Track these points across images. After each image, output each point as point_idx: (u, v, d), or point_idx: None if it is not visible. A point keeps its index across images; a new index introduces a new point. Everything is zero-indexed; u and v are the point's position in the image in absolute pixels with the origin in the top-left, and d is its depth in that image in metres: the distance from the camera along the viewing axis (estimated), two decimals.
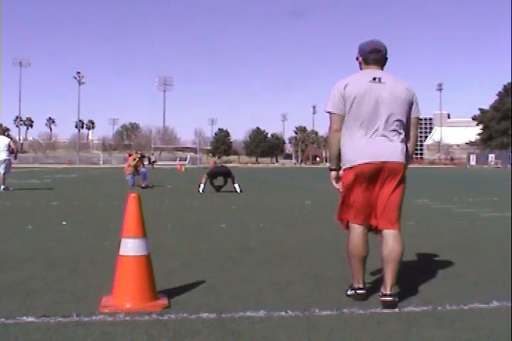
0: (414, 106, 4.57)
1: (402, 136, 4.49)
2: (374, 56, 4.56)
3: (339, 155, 4.56)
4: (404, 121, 4.51)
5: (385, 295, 4.29)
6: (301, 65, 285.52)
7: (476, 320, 3.95)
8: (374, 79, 4.46)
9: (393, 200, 4.45)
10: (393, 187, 4.43)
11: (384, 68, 4.63)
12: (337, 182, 4.66)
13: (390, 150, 4.40)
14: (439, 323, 3.90)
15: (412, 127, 4.60)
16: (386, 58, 4.63)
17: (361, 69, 4.66)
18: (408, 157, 4.55)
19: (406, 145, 4.53)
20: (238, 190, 18.19)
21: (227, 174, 18.86)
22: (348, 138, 4.46)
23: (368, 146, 4.38)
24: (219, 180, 18.96)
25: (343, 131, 4.47)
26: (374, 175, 4.39)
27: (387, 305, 4.25)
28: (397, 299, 4.32)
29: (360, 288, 4.51)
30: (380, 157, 4.37)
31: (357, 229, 4.54)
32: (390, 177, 4.41)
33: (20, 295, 4.57)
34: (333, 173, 4.67)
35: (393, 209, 4.46)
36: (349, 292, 4.57)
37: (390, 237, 4.44)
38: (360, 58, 4.64)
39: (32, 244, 7.24)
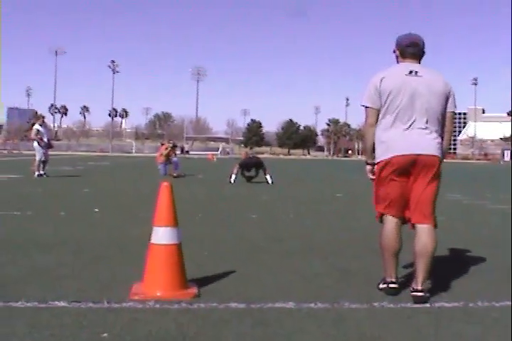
0: (450, 101, 4.52)
1: (438, 129, 4.45)
2: (411, 50, 4.52)
3: (374, 149, 4.53)
4: (440, 115, 4.46)
5: (416, 291, 4.26)
6: (333, 56, 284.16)
7: (507, 317, 3.90)
8: (411, 72, 4.43)
9: (427, 194, 4.41)
10: (428, 181, 4.39)
11: (421, 62, 4.58)
12: (372, 175, 4.64)
13: (426, 143, 4.36)
14: (470, 319, 3.86)
15: (447, 122, 4.54)
16: (423, 52, 4.59)
17: (398, 62, 4.61)
18: (443, 151, 4.50)
19: (442, 140, 4.48)
20: (269, 181, 18.16)
21: (259, 165, 18.84)
22: (383, 131, 4.44)
23: (403, 139, 4.35)
24: (251, 172, 18.95)
25: (378, 124, 4.45)
26: (408, 167, 4.35)
27: (417, 300, 4.22)
28: (428, 294, 4.29)
29: (392, 282, 4.48)
30: (415, 149, 4.33)
31: (390, 222, 4.51)
32: (425, 170, 4.36)
33: (49, 281, 4.62)
34: (369, 167, 4.64)
35: (427, 203, 4.42)
36: (381, 285, 4.55)
37: (424, 232, 4.40)
38: (397, 51, 4.59)
39: (63, 230, 7.32)
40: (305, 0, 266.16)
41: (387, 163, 4.40)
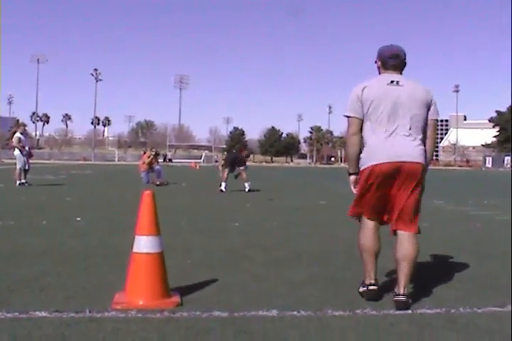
0: (432, 108, 4.57)
1: (421, 137, 4.49)
2: (393, 61, 4.58)
3: (358, 159, 4.56)
4: (423, 122, 4.50)
5: (399, 295, 4.27)
6: (316, 64, 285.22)
7: (489, 324, 3.92)
8: (392, 82, 4.47)
9: (411, 202, 4.44)
10: (411, 189, 4.42)
11: (403, 73, 4.63)
12: (355, 186, 4.65)
13: (409, 150, 4.40)
14: (453, 326, 3.87)
15: (430, 129, 4.58)
16: (405, 63, 4.64)
17: (379, 73, 4.66)
18: (427, 158, 4.53)
19: (425, 147, 4.51)
20: (247, 189, 18.13)
21: (241, 160, 18.79)
22: (366, 139, 4.48)
23: (387, 147, 4.39)
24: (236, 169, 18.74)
25: (362, 133, 4.49)
26: (392, 175, 4.38)
27: (400, 305, 4.23)
28: (410, 300, 4.30)
29: (371, 284, 4.51)
30: (398, 157, 4.36)
31: (369, 224, 4.59)
32: (409, 178, 4.40)
33: (34, 290, 4.59)
34: (352, 177, 4.67)
35: (410, 211, 4.46)
36: (361, 289, 4.57)
37: (406, 239, 4.44)
38: (379, 62, 4.64)
39: (46, 240, 7.27)
40: (288, 9, 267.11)
41: (371, 170, 4.43)
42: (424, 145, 4.51)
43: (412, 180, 4.40)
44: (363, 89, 4.46)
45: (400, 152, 4.37)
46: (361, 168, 4.53)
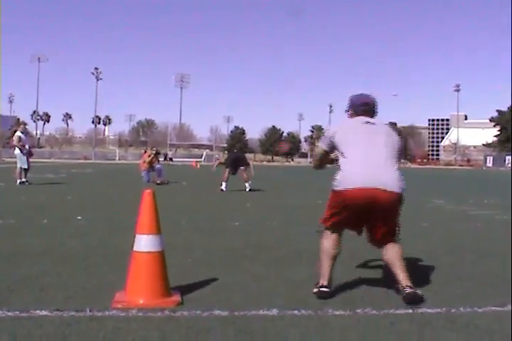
0: (401, 143, 4.72)
1: (396, 165, 4.58)
2: (364, 108, 4.80)
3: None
4: (398, 153, 4.64)
5: (406, 288, 4.36)
6: (317, 63, 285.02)
7: (489, 323, 3.92)
8: (366, 122, 4.69)
9: (390, 227, 4.61)
10: (387, 216, 4.56)
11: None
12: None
13: (386, 177, 4.47)
14: (453, 325, 3.87)
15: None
16: (375, 112, 4.87)
17: None
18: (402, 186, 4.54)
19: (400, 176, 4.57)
20: (247, 189, 18.09)
21: (243, 160, 18.78)
22: (342, 165, 4.57)
23: (363, 171, 4.46)
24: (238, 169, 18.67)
25: (339, 160, 4.64)
26: (366, 202, 4.41)
27: (410, 296, 4.31)
28: (419, 291, 4.38)
29: (323, 286, 4.60)
30: (374, 183, 4.42)
31: (334, 235, 4.72)
32: (386, 207, 4.46)
33: (34, 290, 4.60)
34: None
35: (391, 233, 4.63)
36: (314, 289, 4.62)
37: (389, 247, 4.62)
38: (351, 111, 4.87)
39: (47, 239, 7.28)
40: (288, 8, 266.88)
41: (343, 194, 4.50)
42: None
43: (388, 209, 4.51)
44: (334, 133, 4.69)
45: (376, 178, 4.42)
46: (335, 188, 4.59)
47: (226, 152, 19.95)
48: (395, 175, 4.49)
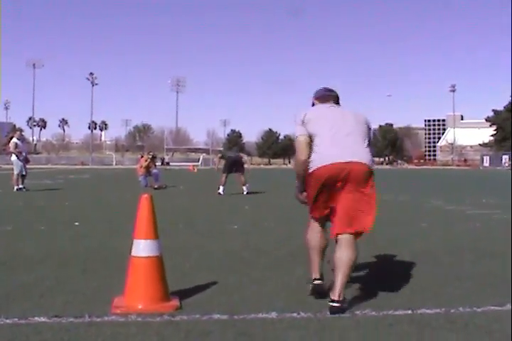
0: (371, 131, 4.79)
1: (367, 143, 4.62)
2: (329, 93, 4.95)
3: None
4: (366, 136, 4.66)
5: (333, 301, 4.20)
6: (312, 67, 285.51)
7: (489, 323, 3.92)
8: (331, 106, 4.81)
9: (350, 204, 4.46)
10: (353, 190, 4.45)
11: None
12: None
13: (355, 150, 4.53)
14: (452, 326, 3.87)
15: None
16: (338, 99, 4.96)
17: None
18: (373, 162, 4.63)
19: (371, 152, 4.64)
20: (245, 192, 18.02)
21: (239, 163, 18.65)
22: (315, 147, 4.57)
23: (332, 148, 4.51)
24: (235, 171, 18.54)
25: (313, 142, 4.60)
26: (338, 175, 4.43)
27: (333, 310, 4.16)
28: (345, 305, 4.21)
29: (316, 279, 4.66)
30: (344, 157, 4.46)
31: (316, 228, 4.79)
32: (353, 178, 4.44)
33: (33, 296, 4.58)
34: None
35: (350, 212, 4.47)
36: (309, 285, 4.67)
37: (343, 242, 4.46)
38: (316, 100, 4.95)
39: (45, 245, 7.27)
40: (287, 9, 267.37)
41: (316, 172, 4.50)
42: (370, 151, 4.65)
43: (355, 181, 4.44)
44: (305, 114, 4.68)
45: (346, 152, 4.48)
46: (309, 170, 4.56)
47: (220, 155, 19.70)
48: (366, 151, 4.56)
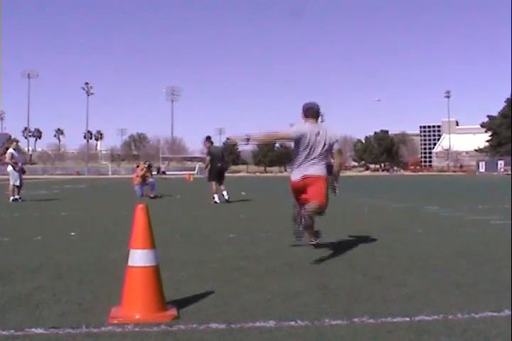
0: (335, 145, 7.31)
1: (326, 160, 7.24)
2: (311, 111, 7.34)
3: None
4: (328, 154, 7.28)
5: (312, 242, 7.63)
6: (307, 74, 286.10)
7: (487, 329, 3.92)
8: (317, 133, 7.13)
9: (316, 189, 7.03)
10: (316, 186, 7.02)
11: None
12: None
13: (312, 169, 7.07)
14: (450, 332, 3.86)
15: (336, 156, 7.40)
16: (319, 113, 7.43)
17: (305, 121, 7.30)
18: (331, 172, 7.34)
19: (329, 166, 7.24)
20: (226, 197, 17.87)
21: (223, 171, 18.60)
22: (295, 161, 7.28)
23: (300, 169, 7.15)
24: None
25: (294, 156, 7.27)
26: (302, 185, 7.16)
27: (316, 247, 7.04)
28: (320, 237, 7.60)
29: (312, 241, 7.79)
30: (303, 174, 7.11)
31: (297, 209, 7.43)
32: (313, 183, 7.04)
33: (29, 307, 4.57)
34: None
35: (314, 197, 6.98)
36: (311, 242, 7.76)
37: (310, 203, 6.90)
38: (303, 115, 7.37)
39: (41, 255, 7.24)
40: (286, 10, 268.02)
41: (292, 184, 7.34)
42: (328, 165, 7.27)
43: (315, 183, 7.05)
44: (306, 133, 7.10)
45: (306, 171, 7.09)
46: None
47: (200, 163, 19.59)
48: (321, 167, 7.13)
